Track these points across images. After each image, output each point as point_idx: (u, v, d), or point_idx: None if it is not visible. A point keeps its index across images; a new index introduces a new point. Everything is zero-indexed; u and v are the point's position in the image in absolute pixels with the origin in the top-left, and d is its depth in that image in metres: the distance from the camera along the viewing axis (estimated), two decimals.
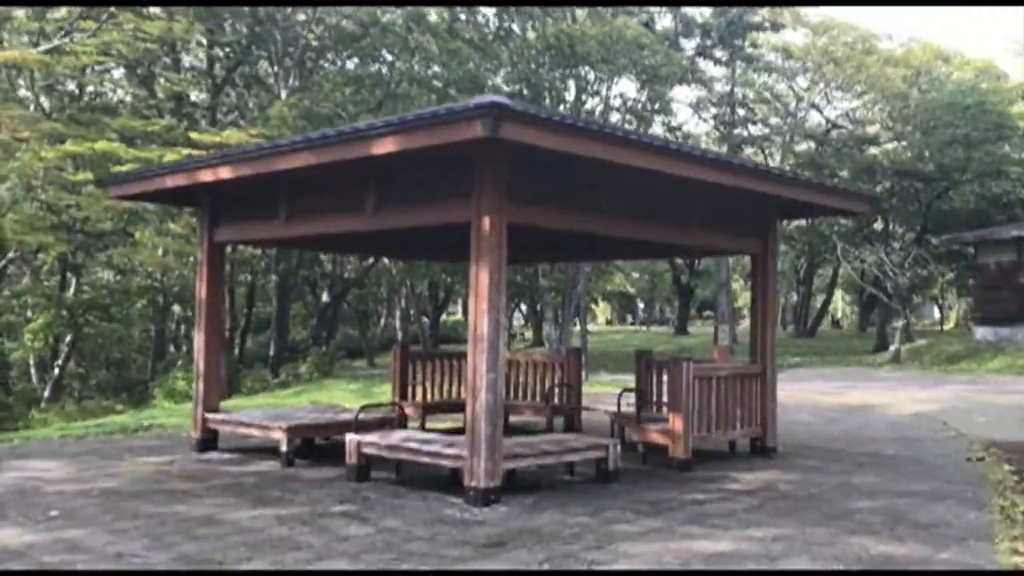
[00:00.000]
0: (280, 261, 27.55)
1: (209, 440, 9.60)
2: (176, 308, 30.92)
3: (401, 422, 10.77)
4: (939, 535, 6.21)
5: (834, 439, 11.21)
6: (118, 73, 26.16)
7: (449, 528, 6.27)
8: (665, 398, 10.43)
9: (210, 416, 9.54)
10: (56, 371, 24.99)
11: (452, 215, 7.32)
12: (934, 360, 28.06)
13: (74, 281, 24.63)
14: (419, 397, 11.46)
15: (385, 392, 15.80)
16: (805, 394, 16.72)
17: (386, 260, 30.29)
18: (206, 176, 8.31)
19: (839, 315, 65.87)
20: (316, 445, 9.61)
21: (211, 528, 6.20)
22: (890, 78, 36.41)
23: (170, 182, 8.73)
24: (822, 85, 39.90)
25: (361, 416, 8.87)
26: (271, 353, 28.92)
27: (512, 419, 11.76)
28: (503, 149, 6.82)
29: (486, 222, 6.95)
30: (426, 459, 7.43)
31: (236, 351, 33.70)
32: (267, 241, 9.29)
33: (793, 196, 8.75)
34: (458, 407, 11.52)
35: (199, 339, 9.68)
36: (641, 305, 76.27)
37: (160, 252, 20.87)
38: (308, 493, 7.43)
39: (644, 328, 66.15)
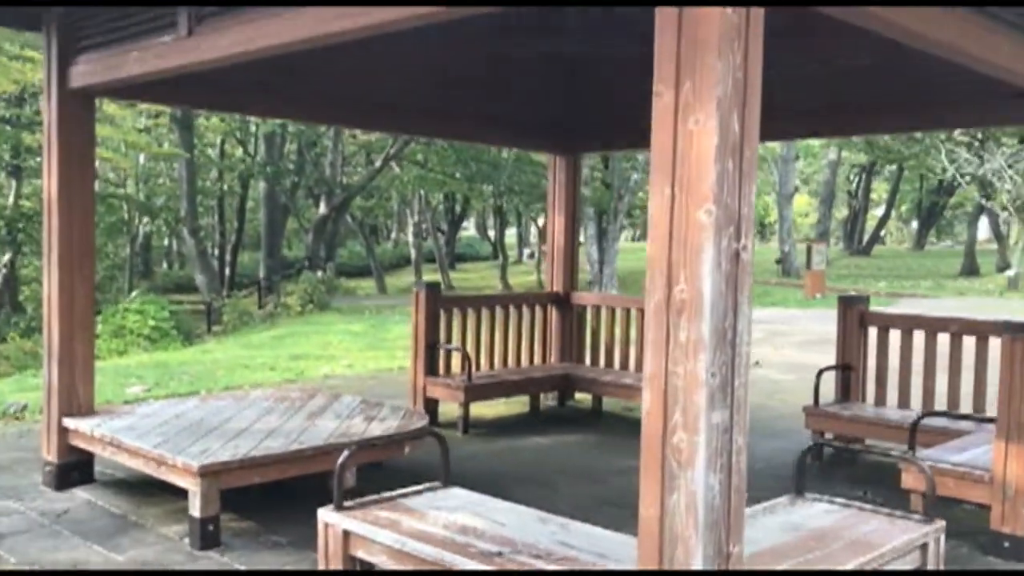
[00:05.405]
0: (268, 163, 22.85)
1: (75, 467, 5.15)
2: (146, 220, 26.37)
3: (438, 441, 6.20)
4: None
5: None
6: None
7: None
8: (887, 380, 5.96)
9: (74, 426, 5.06)
10: None
11: None
12: None
13: (14, 186, 20.00)
14: (457, 369, 6.96)
15: (400, 338, 11.41)
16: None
17: (395, 167, 25.58)
18: None
19: (883, 231, 60.91)
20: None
21: None
22: None
23: None
24: None
25: (360, 443, 4.41)
26: (261, 275, 24.45)
27: (580, 396, 7.37)
28: None
29: None
30: None
31: (227, 271, 29.41)
32: (159, 85, 4.66)
33: None
34: (520, 386, 7.10)
35: (49, 282, 5.13)
36: None
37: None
38: None
39: None
